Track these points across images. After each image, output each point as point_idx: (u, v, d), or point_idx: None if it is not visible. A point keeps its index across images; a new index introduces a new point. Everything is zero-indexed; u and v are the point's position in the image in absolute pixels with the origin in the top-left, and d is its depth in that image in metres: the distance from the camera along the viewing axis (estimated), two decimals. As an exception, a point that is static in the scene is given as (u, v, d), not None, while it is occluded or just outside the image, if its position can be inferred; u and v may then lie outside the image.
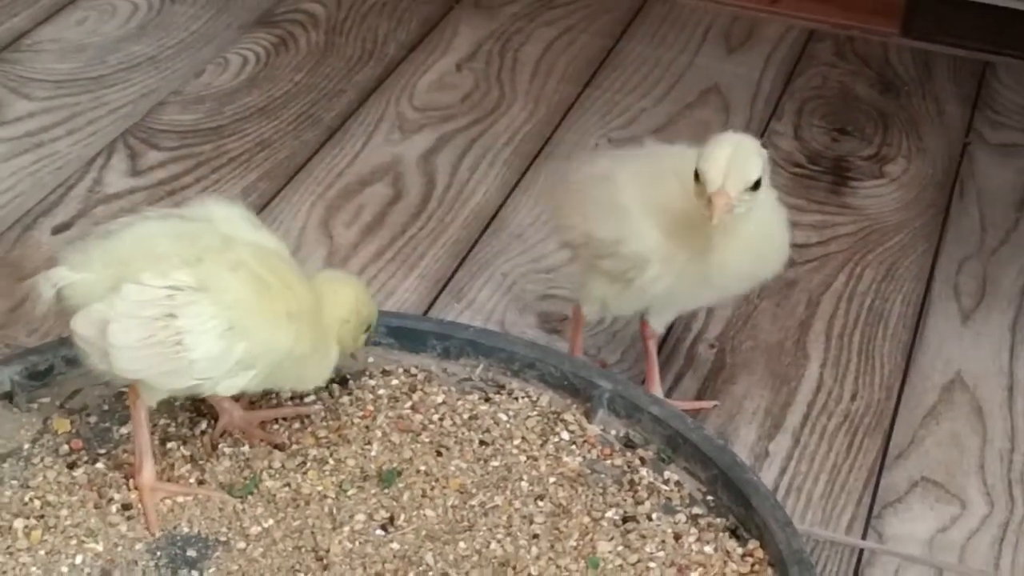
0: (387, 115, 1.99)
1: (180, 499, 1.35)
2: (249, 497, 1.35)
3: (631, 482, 1.39)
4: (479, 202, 1.83)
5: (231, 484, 1.37)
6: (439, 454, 1.41)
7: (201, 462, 1.39)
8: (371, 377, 1.49)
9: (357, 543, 1.31)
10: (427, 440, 1.42)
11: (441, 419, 1.45)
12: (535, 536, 1.33)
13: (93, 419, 1.43)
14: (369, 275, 1.69)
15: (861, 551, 1.39)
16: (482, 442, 1.43)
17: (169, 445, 1.41)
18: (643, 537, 1.34)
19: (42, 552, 1.29)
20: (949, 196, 1.91)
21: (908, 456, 1.50)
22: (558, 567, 1.30)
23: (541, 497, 1.37)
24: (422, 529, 1.33)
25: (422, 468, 1.39)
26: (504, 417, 1.46)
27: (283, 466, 1.39)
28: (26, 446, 1.39)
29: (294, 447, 1.41)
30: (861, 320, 1.68)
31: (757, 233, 1.36)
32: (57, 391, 1.45)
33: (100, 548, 1.30)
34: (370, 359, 1.52)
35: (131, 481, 1.35)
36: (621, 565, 1.31)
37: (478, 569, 1.29)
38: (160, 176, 1.84)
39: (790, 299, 1.70)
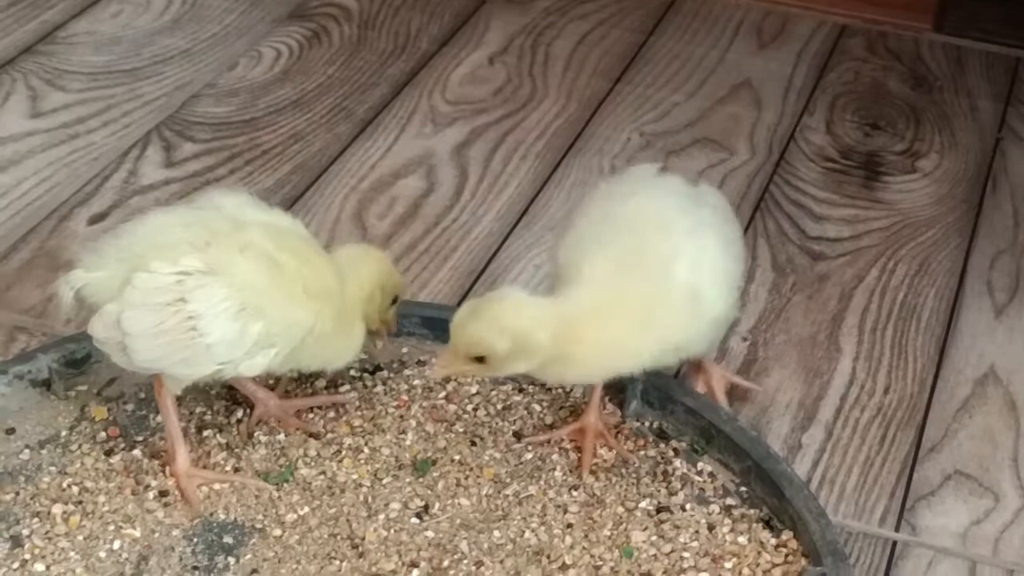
0: (420, 108, 2.00)
1: (216, 486, 1.36)
2: (285, 485, 1.36)
3: (664, 473, 1.40)
4: (512, 195, 1.84)
5: (267, 472, 1.38)
6: (473, 444, 1.41)
7: (237, 450, 1.40)
8: (406, 367, 1.50)
9: (392, 531, 1.32)
10: (461, 430, 1.43)
11: (475, 409, 1.46)
12: (569, 525, 1.34)
13: (130, 407, 1.44)
14: (403, 267, 1.69)
15: (894, 543, 1.39)
16: (515, 433, 1.43)
17: (205, 433, 1.42)
18: (677, 527, 1.34)
19: (80, 537, 1.30)
20: (982, 191, 1.91)
21: (941, 449, 1.50)
22: (592, 556, 1.31)
23: (575, 487, 1.38)
24: (456, 517, 1.34)
25: (456, 457, 1.40)
26: (538, 408, 1.46)
27: (318, 454, 1.39)
28: (64, 433, 1.41)
29: (329, 436, 1.42)
30: (894, 314, 1.68)
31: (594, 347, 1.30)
32: (94, 379, 1.46)
33: (137, 534, 1.31)
34: (404, 349, 1.52)
35: (167, 468, 1.36)
36: (655, 555, 1.31)
37: (512, 558, 1.30)
38: (194, 168, 1.85)
39: (822, 293, 1.70)
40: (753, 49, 2.20)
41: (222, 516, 1.33)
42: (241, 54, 2.09)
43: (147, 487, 1.35)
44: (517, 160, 1.91)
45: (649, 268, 1.30)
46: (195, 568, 1.28)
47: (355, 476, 1.37)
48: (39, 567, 1.27)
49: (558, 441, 1.42)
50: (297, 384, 1.46)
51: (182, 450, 1.35)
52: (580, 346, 1.29)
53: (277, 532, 1.32)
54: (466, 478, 1.38)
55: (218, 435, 1.41)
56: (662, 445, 1.43)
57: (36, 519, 1.31)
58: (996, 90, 2.13)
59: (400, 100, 2.01)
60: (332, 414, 1.44)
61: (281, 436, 1.41)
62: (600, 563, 1.30)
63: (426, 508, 1.35)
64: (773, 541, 1.33)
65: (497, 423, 1.44)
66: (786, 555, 1.32)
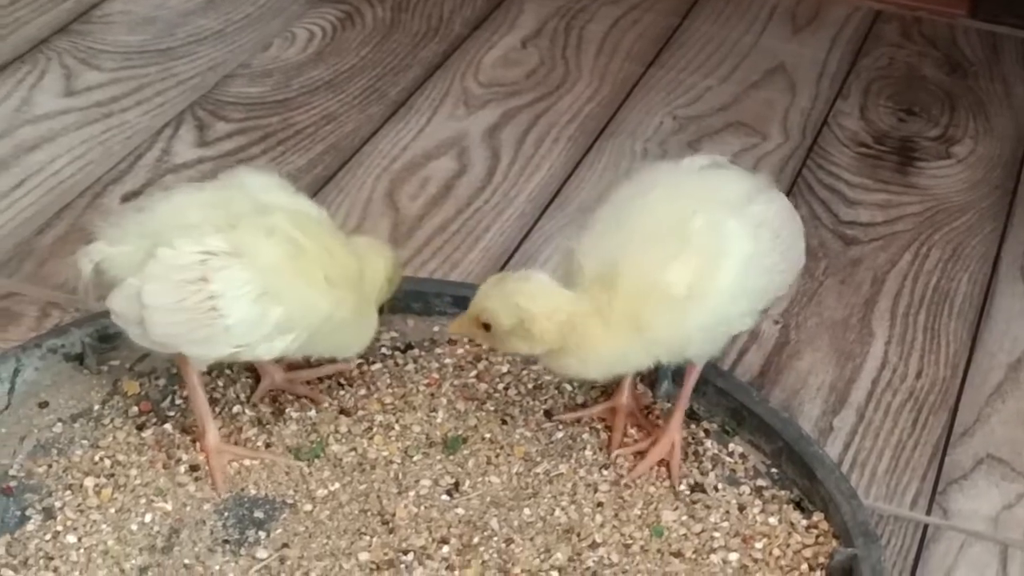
0: (452, 90, 2.00)
1: (247, 462, 1.36)
2: (315, 461, 1.36)
3: (695, 453, 1.40)
4: (544, 176, 1.84)
5: (298, 448, 1.38)
6: (504, 422, 1.42)
7: (268, 426, 1.40)
8: (436, 346, 1.50)
9: (422, 507, 1.32)
10: (492, 408, 1.43)
11: (506, 388, 1.46)
12: (599, 504, 1.33)
13: (162, 382, 1.44)
14: (435, 247, 1.70)
15: (926, 526, 1.39)
16: (546, 412, 1.43)
17: (235, 409, 1.42)
18: (707, 508, 1.34)
19: (112, 510, 1.30)
20: (1016, 177, 1.90)
21: (973, 434, 1.50)
22: (622, 535, 1.30)
23: (605, 466, 1.37)
24: (487, 495, 1.34)
25: (487, 436, 1.40)
26: (569, 387, 1.46)
27: (349, 431, 1.40)
28: (96, 407, 1.41)
29: (360, 413, 1.42)
30: (927, 299, 1.67)
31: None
32: (127, 354, 1.46)
33: (169, 507, 1.31)
34: (435, 328, 1.53)
35: (198, 444, 1.36)
36: (685, 535, 1.31)
37: (542, 535, 1.30)
38: (228, 147, 1.85)
39: (855, 277, 1.70)
40: (787, 34, 2.19)
41: (253, 491, 1.34)
42: (275, 35, 2.09)
43: (178, 461, 1.36)
44: (549, 143, 1.90)
45: (654, 276, 1.26)
46: (226, 542, 1.28)
47: (386, 453, 1.38)
48: (71, 538, 1.27)
49: (589, 420, 1.42)
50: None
51: (211, 426, 1.36)
52: (581, 349, 1.28)
53: (308, 507, 1.32)
54: (496, 456, 1.38)
55: (248, 411, 1.41)
56: (693, 426, 1.43)
57: (68, 491, 1.32)
58: (1032, 77, 2.12)
59: (433, 82, 2.01)
60: (363, 391, 1.44)
61: (312, 412, 1.41)
62: (630, 541, 1.30)
63: (456, 485, 1.35)
64: (804, 522, 1.33)
65: (528, 402, 1.44)
66: (817, 536, 1.31)
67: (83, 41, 2.05)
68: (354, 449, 1.38)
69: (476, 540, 1.29)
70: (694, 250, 1.26)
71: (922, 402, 1.53)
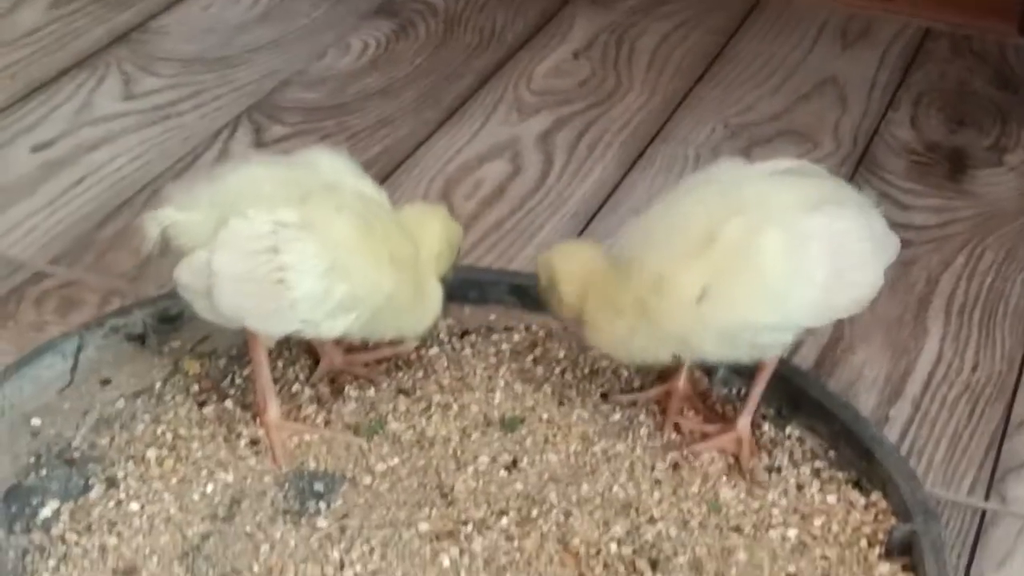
0: (505, 98, 2.02)
1: (306, 438, 1.37)
2: (374, 437, 1.37)
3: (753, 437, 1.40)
4: (597, 179, 1.85)
5: (356, 425, 1.39)
6: (561, 404, 1.42)
7: (327, 404, 1.41)
8: (493, 332, 1.51)
9: (481, 482, 1.33)
10: (549, 391, 1.44)
11: (563, 372, 1.47)
12: (657, 482, 1.34)
13: (222, 362, 1.46)
14: (489, 243, 1.71)
15: (984, 512, 1.38)
16: (603, 395, 1.44)
17: (295, 389, 1.43)
18: (765, 487, 1.34)
19: (174, 480, 1.31)
20: (1069, 186, 1.91)
21: (1031, 425, 1.50)
22: (680, 511, 1.31)
23: (664, 447, 1.38)
24: (545, 471, 1.34)
25: (544, 416, 1.40)
26: (625, 372, 1.47)
27: (408, 410, 1.40)
28: (158, 385, 1.42)
29: (418, 393, 1.42)
30: (981, 298, 1.67)
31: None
32: (188, 336, 1.48)
33: (230, 479, 1.32)
34: (492, 316, 1.54)
35: (258, 419, 1.37)
36: (743, 511, 1.31)
37: (601, 510, 1.30)
38: (284, 148, 1.87)
39: (908, 276, 1.70)
40: (836, 51, 2.21)
41: (312, 465, 1.34)
42: (330, 45, 2.12)
43: (239, 435, 1.36)
44: (602, 147, 1.92)
45: (666, 269, 1.26)
46: (286, 512, 1.29)
47: (444, 431, 1.38)
48: (134, 506, 1.28)
49: (645, 403, 1.43)
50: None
51: (273, 401, 1.37)
52: (593, 322, 1.31)
53: (367, 480, 1.33)
54: (554, 435, 1.38)
55: (307, 389, 1.42)
56: (750, 411, 1.43)
57: (131, 462, 1.33)
58: (1082, 93, 2.12)
59: (486, 90, 2.03)
60: (421, 373, 1.45)
61: (371, 392, 1.42)
62: (689, 517, 1.30)
63: (514, 462, 1.35)
64: (863, 501, 1.33)
65: (585, 386, 1.45)
66: (876, 514, 1.31)
67: (142, 49, 2.08)
68: (412, 427, 1.39)
69: (535, 513, 1.29)
70: (719, 253, 1.25)
71: (978, 394, 1.53)
